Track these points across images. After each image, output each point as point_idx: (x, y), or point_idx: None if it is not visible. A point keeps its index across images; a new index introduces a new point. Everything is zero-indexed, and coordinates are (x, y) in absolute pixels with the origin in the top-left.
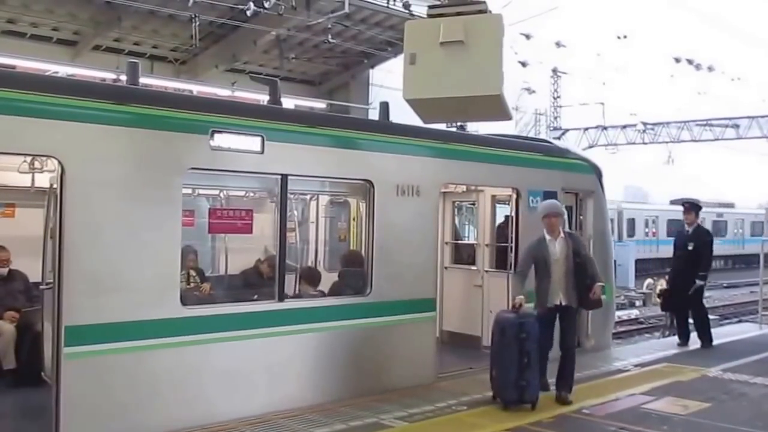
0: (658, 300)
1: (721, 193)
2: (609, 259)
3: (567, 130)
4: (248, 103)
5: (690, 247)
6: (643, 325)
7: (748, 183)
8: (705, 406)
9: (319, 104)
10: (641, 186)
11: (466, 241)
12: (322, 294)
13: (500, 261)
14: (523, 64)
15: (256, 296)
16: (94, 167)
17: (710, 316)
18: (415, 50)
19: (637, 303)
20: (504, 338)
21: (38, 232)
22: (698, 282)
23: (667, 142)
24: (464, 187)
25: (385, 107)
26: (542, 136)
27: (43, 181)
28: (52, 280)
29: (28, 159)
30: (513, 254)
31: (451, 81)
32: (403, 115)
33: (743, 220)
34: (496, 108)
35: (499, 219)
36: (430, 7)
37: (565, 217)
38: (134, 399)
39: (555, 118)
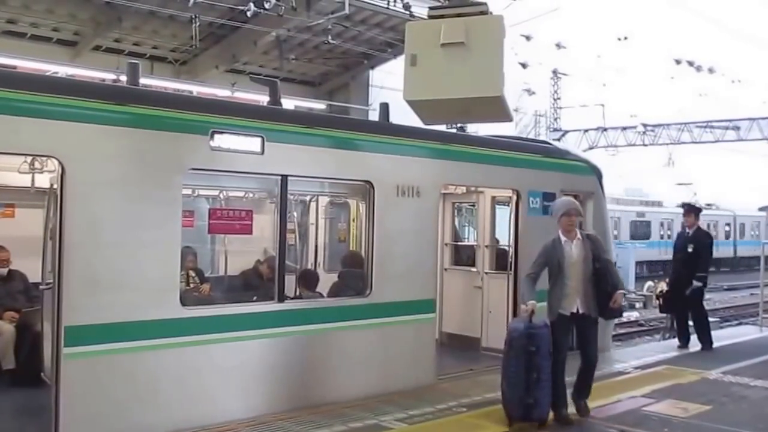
0: (658, 302)
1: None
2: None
3: (567, 132)
4: (248, 103)
5: (690, 249)
6: (644, 328)
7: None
8: (705, 409)
9: (319, 105)
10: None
11: (466, 243)
12: (321, 296)
13: (500, 263)
14: (523, 66)
15: (255, 297)
16: (94, 167)
17: (710, 319)
18: (415, 51)
19: (637, 305)
20: (511, 350)
21: (38, 232)
22: (696, 283)
23: (667, 144)
24: (464, 189)
25: (385, 108)
26: (542, 137)
27: (43, 181)
28: (51, 281)
29: (29, 159)
30: (513, 256)
31: (452, 82)
32: (403, 116)
33: (672, 220)
34: (497, 109)
35: (501, 220)
36: (430, 8)
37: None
38: (134, 399)
39: (555, 119)
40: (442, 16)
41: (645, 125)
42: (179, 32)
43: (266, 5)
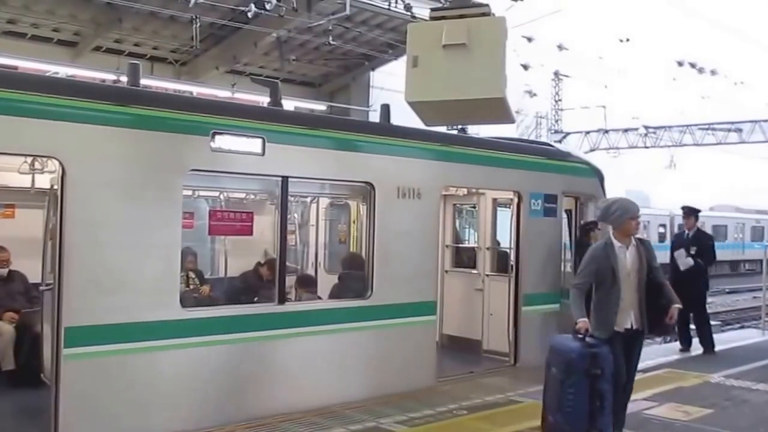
0: None
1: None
2: None
3: (568, 134)
4: (249, 104)
5: (692, 252)
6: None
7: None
8: (707, 413)
9: (320, 106)
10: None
11: (466, 245)
12: (319, 298)
13: (501, 265)
14: (525, 67)
15: (255, 299)
16: (94, 168)
17: (712, 322)
18: (417, 53)
19: None
20: (571, 375)
21: (38, 232)
22: (691, 261)
23: (669, 146)
24: (465, 190)
25: (386, 109)
26: (543, 139)
27: (43, 181)
28: (51, 281)
29: (29, 160)
30: (514, 258)
31: (454, 84)
32: (404, 117)
33: (726, 225)
34: (499, 111)
35: (502, 222)
36: (432, 9)
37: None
38: (134, 400)
39: (556, 121)
40: (443, 18)
41: (647, 127)
42: (180, 33)
43: (267, 6)
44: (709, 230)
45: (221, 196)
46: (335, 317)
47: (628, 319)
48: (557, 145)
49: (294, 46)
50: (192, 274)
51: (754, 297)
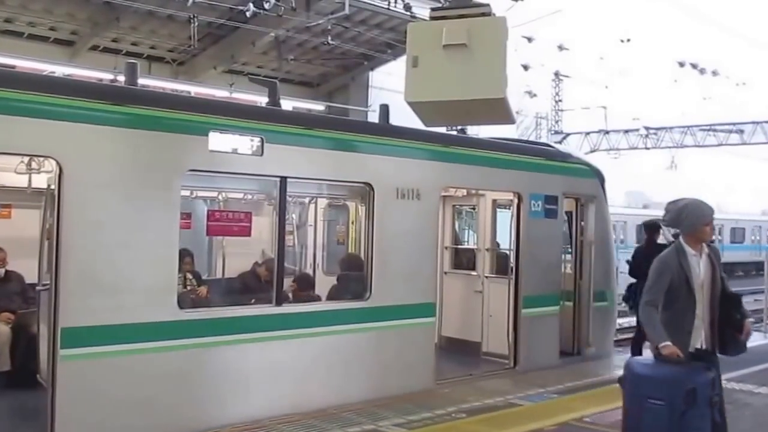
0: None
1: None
2: (611, 266)
3: (568, 134)
4: (248, 104)
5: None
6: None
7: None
8: None
9: (318, 106)
10: (643, 191)
11: (466, 246)
12: (318, 299)
13: (501, 267)
14: (525, 67)
15: (253, 300)
16: (92, 168)
17: None
18: (417, 53)
19: None
20: (694, 406)
21: (35, 233)
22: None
23: (670, 147)
24: (465, 191)
25: (385, 110)
26: (543, 139)
27: (40, 181)
28: (48, 282)
29: (26, 159)
30: (514, 260)
31: (454, 84)
32: (403, 117)
33: (760, 227)
34: (500, 111)
35: (502, 223)
36: (432, 9)
37: None
38: (130, 402)
39: (556, 121)
40: (444, 17)
41: (647, 128)
42: (177, 32)
43: (265, 5)
44: (727, 233)
45: (219, 197)
46: (333, 319)
47: (698, 338)
48: (557, 146)
49: (292, 46)
50: (189, 275)
51: (756, 299)
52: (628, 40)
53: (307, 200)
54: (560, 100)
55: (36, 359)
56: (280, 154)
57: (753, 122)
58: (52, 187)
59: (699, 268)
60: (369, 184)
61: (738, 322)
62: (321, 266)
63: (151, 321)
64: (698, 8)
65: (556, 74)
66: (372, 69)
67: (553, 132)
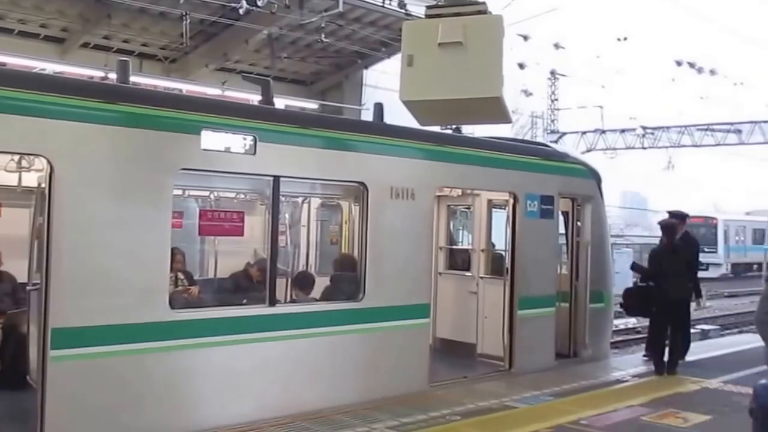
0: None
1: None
2: (607, 267)
3: (564, 134)
4: (240, 102)
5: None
6: (641, 335)
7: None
8: (705, 419)
9: (312, 105)
10: (639, 191)
11: (461, 247)
12: (314, 300)
13: (496, 267)
14: (521, 66)
15: (245, 300)
16: (83, 167)
17: (710, 327)
18: (412, 51)
19: None
20: None
21: (24, 231)
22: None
23: (667, 147)
24: (459, 191)
25: (379, 108)
26: (539, 139)
27: (30, 180)
28: (38, 281)
29: (16, 157)
30: (510, 261)
31: (450, 83)
32: (397, 116)
33: None
34: (496, 111)
35: (497, 223)
36: (428, 7)
37: None
38: (121, 403)
39: (552, 121)
40: (439, 15)
41: (644, 128)
42: (169, 29)
43: (258, 2)
44: (749, 234)
45: (212, 196)
46: (326, 320)
47: None
48: (553, 146)
49: (285, 44)
50: (181, 275)
51: (752, 302)
52: (625, 39)
53: (300, 200)
54: (556, 99)
55: (26, 360)
56: (273, 153)
57: (751, 122)
58: (43, 185)
59: None
60: (363, 184)
61: None
62: (314, 266)
63: (142, 321)
64: (696, 7)
65: (552, 73)
66: (366, 67)
67: (549, 131)
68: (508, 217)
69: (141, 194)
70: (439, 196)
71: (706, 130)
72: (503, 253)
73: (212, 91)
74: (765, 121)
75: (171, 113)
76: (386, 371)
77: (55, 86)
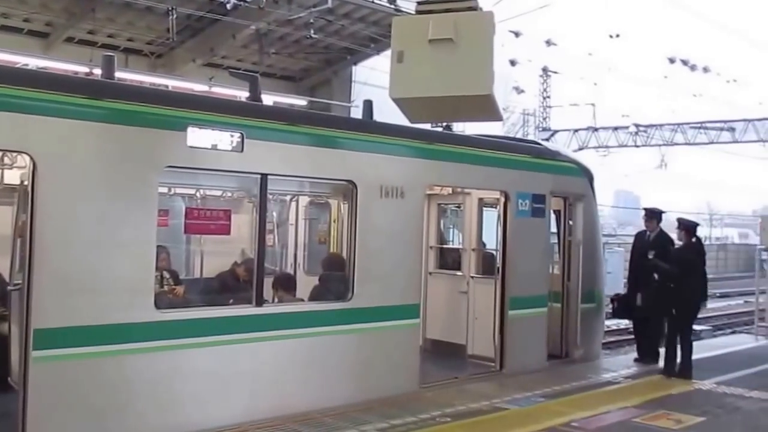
0: (612, 306)
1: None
2: (599, 266)
3: (556, 131)
4: (228, 99)
5: (650, 256)
6: (634, 336)
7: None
8: (698, 421)
9: (300, 101)
10: (632, 190)
11: (451, 246)
12: (301, 300)
13: (487, 267)
14: (512, 63)
15: (232, 300)
16: (67, 164)
17: (704, 327)
18: (402, 48)
19: None
20: None
21: (6, 230)
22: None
23: (660, 145)
24: (450, 190)
25: (368, 105)
26: (531, 137)
27: (12, 177)
28: (19, 281)
29: None
30: (501, 260)
31: (440, 80)
32: (387, 113)
33: None
34: (487, 108)
35: (488, 222)
36: (418, 3)
37: None
38: (105, 405)
39: (544, 118)
40: (430, 12)
41: (637, 125)
42: (155, 24)
43: None
44: None
45: (198, 194)
46: (315, 320)
47: None
48: (545, 144)
49: (274, 39)
50: (167, 274)
51: (746, 301)
52: (617, 36)
53: (288, 198)
54: (548, 97)
55: (7, 362)
56: (260, 150)
57: (744, 120)
58: (26, 183)
59: None
60: (352, 182)
61: None
62: (302, 266)
63: (126, 322)
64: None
65: (544, 70)
66: (355, 63)
67: (540, 129)
68: (499, 216)
69: (126, 192)
70: (429, 194)
71: (699, 128)
72: (494, 252)
73: (199, 87)
74: (759, 119)
75: (157, 110)
76: (375, 372)
77: (38, 82)
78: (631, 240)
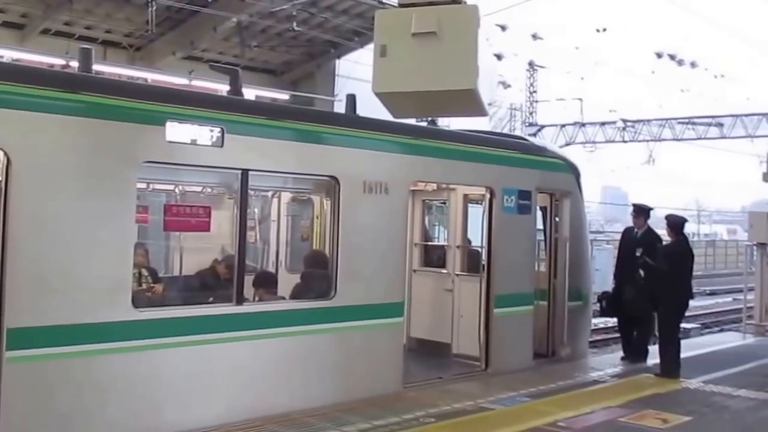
0: (600, 305)
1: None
2: (586, 264)
3: (543, 127)
4: (207, 93)
5: (638, 253)
6: (620, 334)
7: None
8: (685, 420)
9: (282, 95)
10: (620, 186)
11: (436, 243)
12: (282, 299)
13: (472, 264)
14: (498, 57)
15: (212, 299)
16: (42, 159)
17: (692, 325)
18: (385, 41)
19: None
20: None
21: None
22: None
23: (647, 141)
24: (435, 186)
25: (352, 100)
26: (517, 132)
27: None
28: None
29: None
30: (486, 257)
31: (424, 74)
32: (371, 108)
33: None
34: (471, 103)
35: (474, 219)
36: None
37: None
38: (81, 407)
39: (531, 113)
40: (413, 5)
41: (625, 121)
42: (134, 16)
43: None
44: None
45: (177, 190)
46: (296, 319)
47: None
48: (531, 139)
49: (255, 32)
50: (145, 272)
51: (735, 299)
52: (604, 30)
53: (269, 194)
54: (535, 91)
55: None
56: (241, 145)
57: (732, 115)
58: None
59: None
60: (335, 178)
61: None
62: (284, 264)
63: (103, 321)
64: None
65: (531, 64)
66: (339, 57)
67: (527, 124)
68: (484, 212)
69: (103, 188)
70: (413, 190)
71: (687, 123)
72: (479, 249)
73: (179, 81)
74: (747, 115)
75: (135, 104)
76: (358, 372)
77: (13, 74)
78: (619, 237)
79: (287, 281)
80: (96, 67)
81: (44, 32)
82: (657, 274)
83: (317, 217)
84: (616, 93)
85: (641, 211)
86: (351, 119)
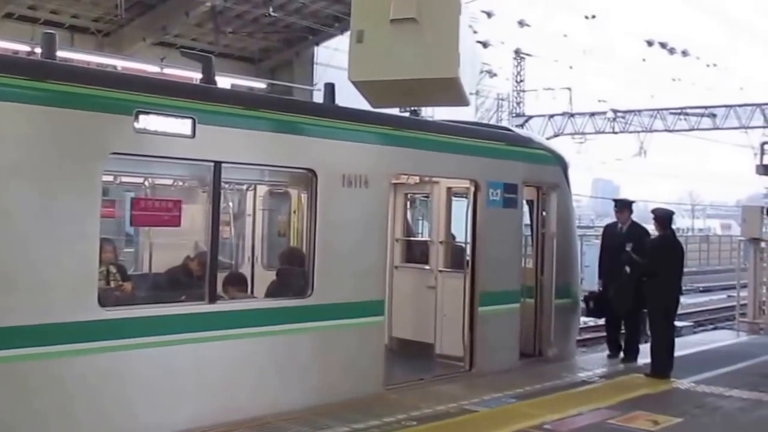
0: (587, 305)
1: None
2: (574, 259)
3: (531, 117)
4: (179, 81)
5: (628, 248)
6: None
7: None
8: (676, 422)
9: (259, 84)
10: (612, 179)
11: (419, 238)
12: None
13: (456, 260)
14: (484, 45)
15: (183, 297)
16: (1, 151)
17: (685, 323)
18: (362, 27)
19: None
20: None
21: None
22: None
23: (638, 132)
24: (417, 179)
25: (330, 89)
26: (504, 122)
27: None
28: None
29: None
30: (471, 253)
31: (403, 62)
32: (351, 97)
33: None
34: (452, 92)
35: (457, 213)
36: None
37: None
38: (45, 411)
39: (518, 103)
40: None
41: (615, 111)
42: (103, 0)
43: None
44: None
45: (146, 183)
46: (272, 318)
47: None
48: (517, 130)
49: (230, 18)
50: (113, 269)
51: (729, 296)
52: (593, 17)
53: (244, 187)
54: (522, 80)
55: None
56: (214, 136)
57: (725, 105)
58: None
59: None
60: (312, 171)
61: None
62: (260, 260)
63: (67, 321)
64: None
65: (517, 52)
66: (317, 44)
67: (514, 114)
68: (468, 206)
69: (67, 181)
70: (395, 183)
71: (679, 113)
72: (464, 244)
73: (150, 68)
74: (740, 105)
75: (101, 92)
76: (337, 373)
77: None
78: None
79: (263, 278)
80: (63, 53)
81: (7, 16)
82: (644, 270)
83: (294, 212)
84: (606, 82)
85: (625, 206)
86: (329, 109)
